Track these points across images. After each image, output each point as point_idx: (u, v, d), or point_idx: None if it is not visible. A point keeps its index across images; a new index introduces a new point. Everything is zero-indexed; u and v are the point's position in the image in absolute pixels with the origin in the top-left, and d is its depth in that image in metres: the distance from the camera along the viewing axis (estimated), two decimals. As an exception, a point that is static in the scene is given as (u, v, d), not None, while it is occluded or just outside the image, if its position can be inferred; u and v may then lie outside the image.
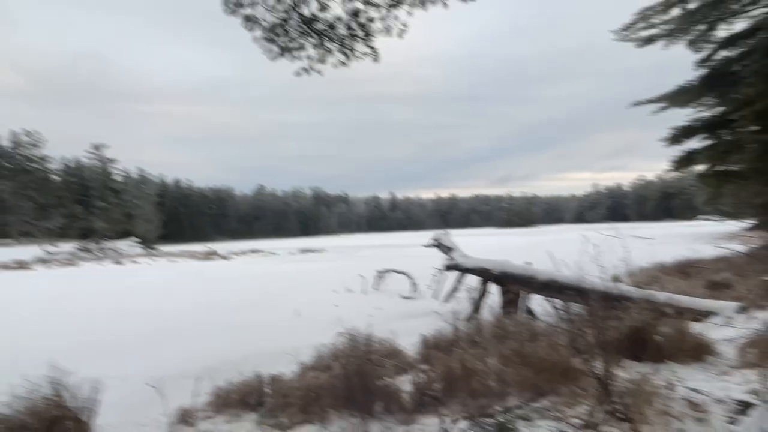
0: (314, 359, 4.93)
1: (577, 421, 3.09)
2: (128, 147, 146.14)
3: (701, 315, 5.79)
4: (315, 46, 5.68)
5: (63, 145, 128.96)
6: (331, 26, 5.53)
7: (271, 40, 5.62)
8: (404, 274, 13.66)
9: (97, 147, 61.98)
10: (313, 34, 5.59)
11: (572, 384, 3.63)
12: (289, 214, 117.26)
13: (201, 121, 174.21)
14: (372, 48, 5.65)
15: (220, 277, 19.70)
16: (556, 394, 3.59)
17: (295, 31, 5.60)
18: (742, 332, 4.59)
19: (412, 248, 33.60)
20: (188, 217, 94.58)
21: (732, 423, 2.81)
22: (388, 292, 12.95)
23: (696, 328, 4.76)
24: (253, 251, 41.98)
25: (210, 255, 36.83)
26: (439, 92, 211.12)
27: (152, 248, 55.24)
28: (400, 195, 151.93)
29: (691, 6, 12.01)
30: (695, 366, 4.04)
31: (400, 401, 3.93)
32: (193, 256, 37.17)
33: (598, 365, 3.18)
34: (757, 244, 12.73)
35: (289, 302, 11.31)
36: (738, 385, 3.38)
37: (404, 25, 5.44)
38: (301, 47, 5.71)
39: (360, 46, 5.63)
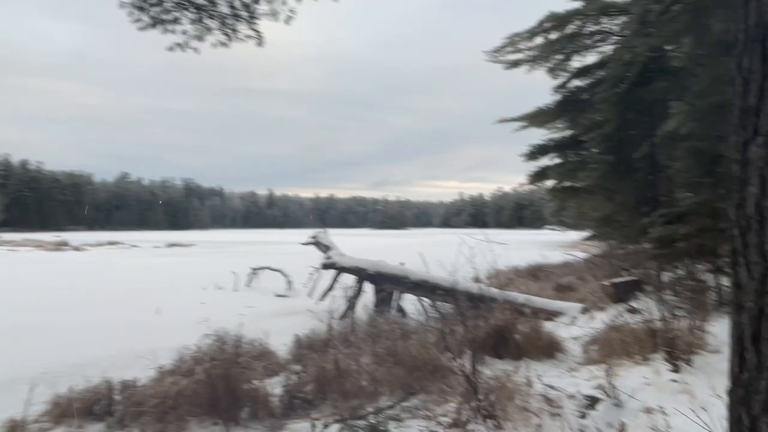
0: (175, 363, 4.49)
1: (445, 419, 3.18)
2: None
3: (552, 315, 6.43)
4: (192, 21, 5.18)
5: None
6: (212, 2, 5.09)
7: (141, 9, 5.01)
8: (279, 271, 13.28)
9: None
10: (190, 8, 5.09)
11: (441, 382, 3.76)
12: (155, 205, 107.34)
13: (62, 100, 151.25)
14: (256, 31, 5.31)
15: (68, 271, 17.38)
16: (426, 393, 3.68)
17: (170, 2, 5.05)
18: (585, 331, 5.16)
19: (288, 245, 32.96)
20: (36, 202, 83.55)
21: (582, 417, 3.10)
22: (261, 290, 12.49)
23: (547, 326, 5.25)
24: (112, 243, 37.85)
25: (60, 245, 32.49)
26: (321, 92, 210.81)
27: (-15, 235, 47.10)
28: (278, 192, 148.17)
29: (552, 37, 13.42)
30: (548, 362, 4.45)
31: (269, 406, 3.74)
32: (39, 245, 32.51)
33: (466, 363, 3.31)
34: (594, 252, 14.61)
35: (150, 300, 10.32)
36: (585, 380, 3.77)
37: (292, 11, 5.16)
38: (176, 21, 5.14)
39: (243, 28, 5.24)
